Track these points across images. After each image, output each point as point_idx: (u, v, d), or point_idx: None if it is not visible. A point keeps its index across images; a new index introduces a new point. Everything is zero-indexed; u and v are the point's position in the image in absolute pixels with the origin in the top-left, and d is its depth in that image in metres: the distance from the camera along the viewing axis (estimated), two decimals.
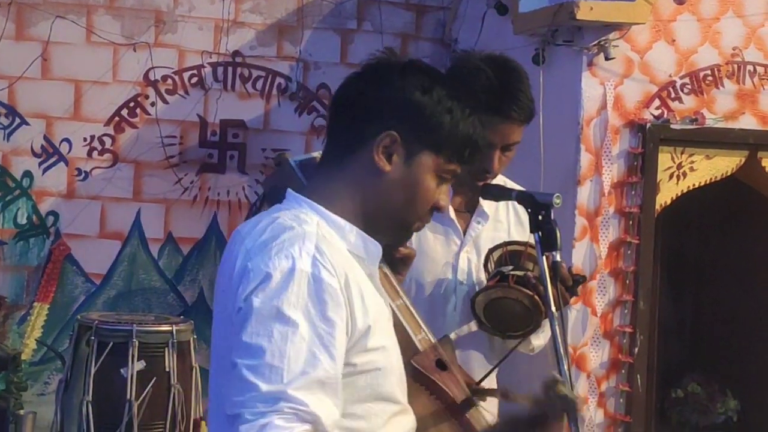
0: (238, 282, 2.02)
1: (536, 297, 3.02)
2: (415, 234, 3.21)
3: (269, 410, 1.88)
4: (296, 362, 1.92)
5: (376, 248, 2.17)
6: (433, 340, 2.49)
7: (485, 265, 3.21)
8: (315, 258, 2.00)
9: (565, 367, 2.69)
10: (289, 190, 2.17)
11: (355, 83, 2.17)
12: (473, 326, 3.23)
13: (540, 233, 2.76)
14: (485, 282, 3.20)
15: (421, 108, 2.09)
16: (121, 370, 5.59)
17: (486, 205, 3.31)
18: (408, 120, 2.09)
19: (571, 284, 3.07)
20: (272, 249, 2.00)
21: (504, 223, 3.36)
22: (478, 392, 2.54)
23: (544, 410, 2.24)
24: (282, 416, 1.88)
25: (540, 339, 3.31)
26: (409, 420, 2.21)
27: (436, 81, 2.14)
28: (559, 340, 2.71)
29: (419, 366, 2.33)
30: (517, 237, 3.34)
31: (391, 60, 2.18)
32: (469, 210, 3.32)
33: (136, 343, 5.60)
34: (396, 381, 2.16)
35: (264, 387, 1.89)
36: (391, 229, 2.18)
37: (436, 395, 2.34)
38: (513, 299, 3.06)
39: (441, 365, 2.39)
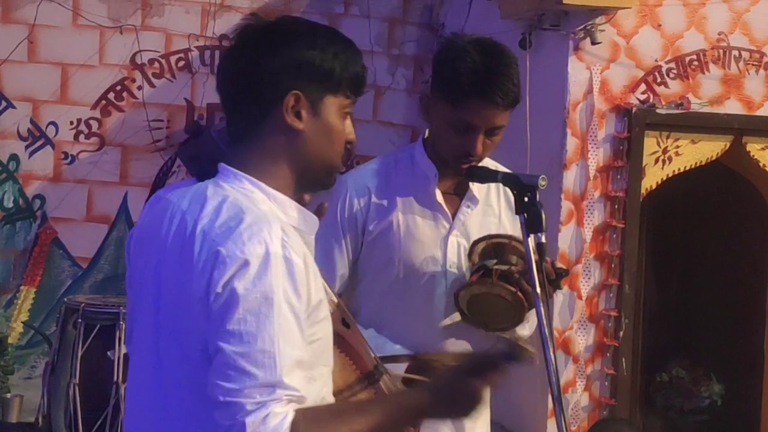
0: (210, 267, 2.07)
1: (519, 293, 3.04)
2: (402, 217, 3.25)
3: (269, 399, 1.99)
4: (284, 346, 2.02)
5: (313, 220, 2.30)
6: (336, 300, 2.61)
7: (469, 257, 3.22)
8: (284, 240, 2.09)
9: (551, 350, 2.71)
10: (222, 164, 2.25)
11: (241, 56, 2.24)
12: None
13: (525, 215, 2.77)
14: (470, 273, 3.22)
15: (312, 61, 2.21)
16: (108, 353, 5.60)
17: (476, 189, 3.31)
18: (304, 76, 2.20)
19: (554, 278, 3.08)
20: (243, 234, 2.07)
21: (495, 208, 3.36)
22: (383, 358, 2.69)
23: (485, 357, 2.32)
24: (279, 404, 2.00)
25: (525, 329, 3.31)
26: (330, 379, 2.36)
27: (315, 32, 2.27)
28: (544, 322, 2.73)
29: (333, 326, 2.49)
30: (507, 223, 3.34)
31: (264, 25, 2.27)
32: (458, 193, 3.31)
33: (123, 325, 5.60)
34: (330, 347, 2.30)
35: (261, 376, 2.00)
36: (322, 177, 2.29)
37: (344, 351, 2.50)
38: (496, 295, 3.07)
39: (345, 324, 2.54)
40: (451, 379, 2.29)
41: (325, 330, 2.23)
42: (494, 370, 2.30)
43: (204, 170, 2.25)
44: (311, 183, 2.29)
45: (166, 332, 2.16)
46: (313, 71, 2.20)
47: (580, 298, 5.98)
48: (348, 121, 2.30)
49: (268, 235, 2.07)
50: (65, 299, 6.21)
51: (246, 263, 2.04)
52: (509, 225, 3.35)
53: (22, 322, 7.02)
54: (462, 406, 2.29)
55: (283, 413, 1.99)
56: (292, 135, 2.21)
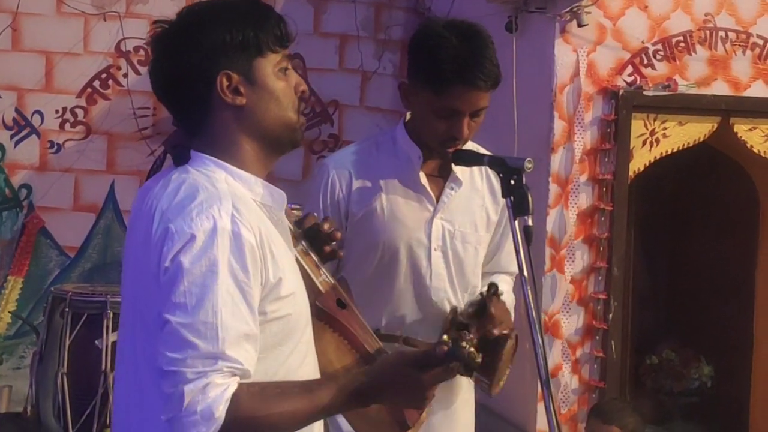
0: (161, 243, 2.12)
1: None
2: (386, 200, 3.25)
3: (210, 370, 2.04)
4: (227, 318, 2.07)
5: (280, 195, 2.33)
6: (331, 281, 2.64)
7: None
8: (233, 216, 2.13)
9: (538, 333, 2.71)
10: (193, 150, 2.29)
11: (162, 63, 2.29)
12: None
13: (512, 197, 2.77)
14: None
15: (224, 39, 2.24)
16: (96, 342, 5.58)
17: (459, 171, 3.31)
18: (224, 55, 2.24)
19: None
20: (193, 210, 2.13)
21: (480, 190, 3.37)
22: (380, 337, 2.74)
23: (433, 355, 2.25)
24: (221, 375, 2.05)
25: (508, 298, 3.35)
26: (314, 358, 2.39)
27: (215, 12, 2.29)
28: (532, 306, 2.72)
29: (323, 306, 2.53)
30: (490, 205, 3.36)
31: (169, 27, 2.30)
32: (441, 175, 3.32)
33: (111, 314, 5.58)
34: (304, 323, 2.32)
35: (202, 346, 2.04)
36: (285, 136, 2.31)
37: (339, 332, 2.55)
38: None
39: (341, 304, 2.58)
40: (396, 365, 2.25)
41: (292, 306, 2.25)
42: (440, 368, 2.23)
43: (182, 157, 2.30)
44: (278, 146, 2.32)
45: (137, 311, 2.21)
46: (230, 47, 2.24)
47: (569, 281, 5.97)
48: (291, 74, 2.32)
49: (217, 211, 2.13)
50: (52, 288, 6.19)
51: (193, 237, 2.09)
52: (492, 207, 3.36)
53: (9, 312, 7.01)
54: (409, 394, 2.25)
55: (224, 384, 2.04)
56: (238, 111, 2.25)
